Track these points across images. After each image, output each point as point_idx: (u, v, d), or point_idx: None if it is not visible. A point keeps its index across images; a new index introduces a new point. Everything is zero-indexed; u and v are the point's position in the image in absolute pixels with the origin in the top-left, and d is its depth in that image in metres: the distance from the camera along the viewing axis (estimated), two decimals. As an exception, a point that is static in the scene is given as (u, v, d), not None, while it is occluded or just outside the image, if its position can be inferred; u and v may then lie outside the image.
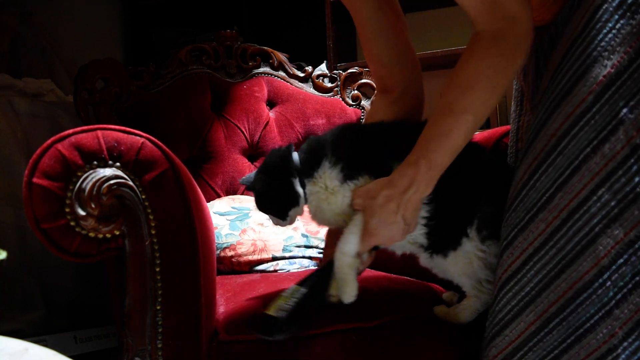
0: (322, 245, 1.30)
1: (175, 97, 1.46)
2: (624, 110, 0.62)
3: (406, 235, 0.80)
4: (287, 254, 1.25)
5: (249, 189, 0.92)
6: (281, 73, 1.64)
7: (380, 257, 1.07)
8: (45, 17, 1.95)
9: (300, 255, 1.26)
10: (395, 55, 0.92)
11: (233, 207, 1.33)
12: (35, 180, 0.64)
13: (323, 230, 1.33)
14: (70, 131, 0.67)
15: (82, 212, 0.65)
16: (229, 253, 1.23)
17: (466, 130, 0.73)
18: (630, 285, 0.62)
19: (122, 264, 0.71)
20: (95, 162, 0.67)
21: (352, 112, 1.63)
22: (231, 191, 1.47)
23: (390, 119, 0.93)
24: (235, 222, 1.28)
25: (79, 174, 0.66)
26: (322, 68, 1.69)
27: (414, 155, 0.75)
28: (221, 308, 0.87)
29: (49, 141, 0.66)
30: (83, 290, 1.58)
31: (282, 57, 1.65)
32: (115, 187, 0.67)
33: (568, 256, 0.66)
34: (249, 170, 1.51)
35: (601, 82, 0.64)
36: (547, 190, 0.68)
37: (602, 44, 0.64)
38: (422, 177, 0.74)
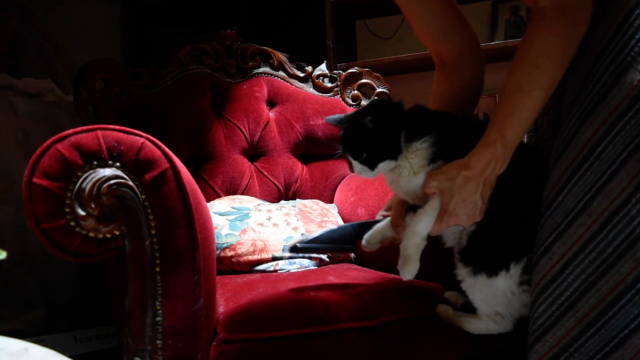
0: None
1: (175, 97, 1.46)
2: None
3: (482, 216, 0.80)
4: (287, 254, 1.25)
5: (341, 123, 0.86)
6: (281, 73, 1.64)
7: (380, 257, 1.07)
8: (45, 17, 1.95)
9: (300, 255, 1.26)
10: (447, 28, 0.93)
11: (233, 207, 1.33)
12: (35, 180, 0.64)
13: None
14: (70, 131, 0.67)
15: (82, 212, 0.65)
16: (229, 253, 1.23)
17: (537, 106, 0.74)
18: None
19: (122, 264, 0.71)
20: (95, 162, 0.67)
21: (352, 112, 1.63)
22: (231, 191, 1.47)
23: (447, 92, 0.94)
24: (235, 222, 1.28)
25: (79, 174, 0.66)
26: (322, 68, 1.69)
27: (490, 136, 0.76)
28: (221, 308, 0.87)
29: (49, 141, 0.66)
30: (83, 290, 1.58)
31: (282, 57, 1.65)
32: (115, 187, 0.67)
33: (609, 260, 0.66)
34: (248, 171, 1.51)
35: (636, 86, 0.64)
36: (585, 194, 0.68)
37: (636, 49, 0.65)
38: (499, 157, 0.76)
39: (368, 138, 0.82)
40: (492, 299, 0.82)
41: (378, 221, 0.97)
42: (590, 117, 0.69)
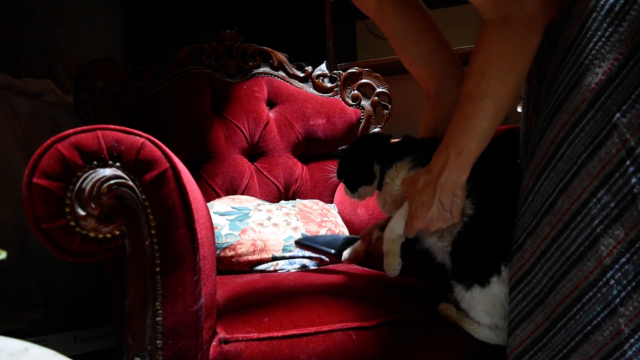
0: (322, 245, 1.30)
1: (175, 97, 1.46)
2: (617, 115, 0.64)
3: (449, 223, 0.83)
4: (287, 254, 1.25)
5: (335, 155, 1.02)
6: (281, 73, 1.64)
7: (380, 257, 1.07)
8: (45, 17, 1.95)
9: (300, 255, 1.26)
10: (429, 56, 0.96)
11: (233, 207, 1.33)
12: (35, 180, 0.64)
13: (323, 231, 1.33)
14: (70, 131, 0.67)
15: (82, 212, 0.65)
16: (229, 253, 1.23)
17: (487, 114, 0.75)
18: (634, 283, 0.63)
19: (122, 264, 0.71)
20: (95, 162, 0.67)
21: (352, 112, 1.63)
22: (231, 191, 1.47)
23: (433, 122, 0.98)
24: (235, 222, 1.28)
25: (79, 174, 0.66)
26: (322, 68, 1.69)
27: (444, 142, 0.80)
28: (221, 308, 0.87)
29: (49, 141, 0.66)
30: (83, 290, 1.58)
31: (282, 57, 1.65)
32: (115, 187, 0.67)
33: (572, 257, 0.68)
34: (248, 171, 1.51)
35: (593, 89, 0.66)
36: (550, 194, 0.71)
37: (593, 52, 0.67)
38: (453, 163, 0.79)
39: (344, 167, 0.99)
40: (492, 309, 0.83)
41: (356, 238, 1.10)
42: (554, 119, 0.71)
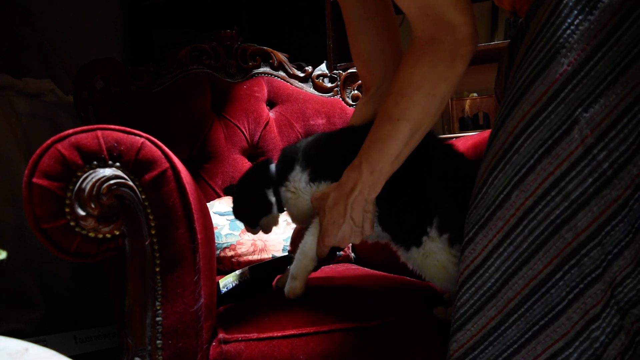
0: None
1: (175, 97, 1.46)
2: (579, 109, 0.62)
3: (362, 237, 0.83)
4: (286, 254, 1.25)
5: (227, 193, 0.99)
6: (281, 73, 1.64)
7: (379, 257, 1.07)
8: (45, 17, 1.95)
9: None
10: (375, 53, 0.93)
11: (233, 207, 1.33)
12: (35, 180, 0.64)
13: (323, 230, 1.33)
14: (70, 131, 0.67)
15: (82, 212, 0.65)
16: (229, 253, 1.23)
17: (403, 137, 0.75)
18: (582, 285, 0.63)
19: (122, 264, 0.71)
20: (95, 162, 0.67)
21: (352, 112, 1.63)
22: (231, 191, 1.47)
23: (363, 118, 0.95)
24: (235, 222, 1.28)
25: (79, 174, 0.66)
26: (322, 68, 1.69)
27: (358, 159, 0.79)
28: (221, 308, 0.87)
29: (49, 141, 0.66)
30: (83, 290, 1.58)
31: (282, 57, 1.65)
32: (115, 187, 0.67)
33: (525, 254, 0.67)
34: (249, 170, 1.51)
35: (557, 80, 0.63)
36: (504, 188, 0.68)
37: (561, 40, 0.63)
38: (365, 180, 0.78)
39: (239, 207, 0.96)
40: (444, 272, 0.82)
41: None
42: (515, 109, 0.68)
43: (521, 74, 0.68)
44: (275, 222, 0.95)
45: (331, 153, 0.89)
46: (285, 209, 0.93)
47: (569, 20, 0.63)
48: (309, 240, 0.86)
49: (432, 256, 0.83)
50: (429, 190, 0.82)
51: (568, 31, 0.63)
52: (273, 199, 0.91)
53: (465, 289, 0.73)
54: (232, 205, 0.97)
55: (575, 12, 0.63)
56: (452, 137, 1.89)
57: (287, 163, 0.91)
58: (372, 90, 0.95)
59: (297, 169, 0.89)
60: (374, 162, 0.77)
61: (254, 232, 0.97)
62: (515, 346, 0.68)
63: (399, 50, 0.94)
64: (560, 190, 0.63)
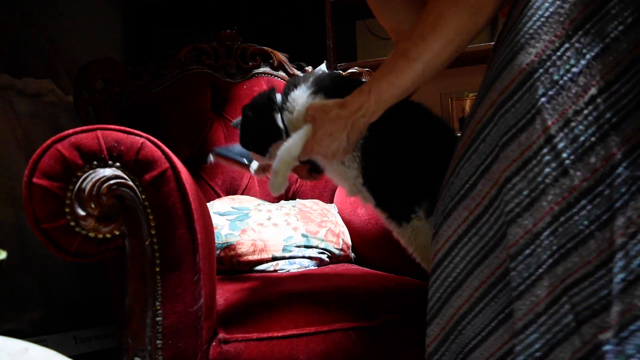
0: (322, 245, 1.30)
1: (175, 97, 1.46)
2: (543, 99, 0.62)
3: (344, 156, 0.87)
4: (287, 254, 1.25)
5: (236, 125, 0.99)
6: (281, 73, 1.64)
7: (380, 257, 1.07)
8: (45, 17, 1.95)
9: (300, 255, 1.26)
10: (403, 13, 0.96)
11: (233, 207, 1.33)
12: (35, 180, 0.64)
13: (323, 231, 1.33)
14: (70, 131, 0.67)
15: (82, 212, 0.65)
16: (229, 253, 1.23)
17: (414, 75, 0.80)
18: (534, 277, 0.62)
19: (122, 264, 0.71)
20: (95, 162, 0.67)
21: (352, 112, 1.63)
22: (231, 191, 1.47)
23: None
24: (235, 222, 1.28)
25: (79, 174, 0.66)
26: (322, 68, 1.68)
27: (368, 85, 0.83)
28: (221, 308, 0.87)
29: (49, 141, 0.66)
30: (83, 290, 1.58)
31: (282, 57, 1.65)
32: (115, 187, 0.67)
33: (490, 243, 0.67)
34: (249, 170, 1.51)
35: (524, 69, 0.64)
36: (470, 177, 0.69)
37: (530, 31, 0.65)
38: (371, 106, 0.82)
39: (249, 132, 0.96)
40: (429, 254, 0.84)
41: None
42: (484, 98, 0.69)
43: (493, 64, 0.69)
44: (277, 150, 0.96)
45: (343, 85, 0.92)
46: (290, 135, 0.93)
47: (540, 12, 0.64)
48: (296, 141, 0.87)
49: (420, 235, 0.86)
50: (425, 172, 0.86)
51: (538, 22, 0.64)
52: (282, 124, 0.92)
53: (432, 282, 0.73)
54: (240, 133, 0.97)
55: (547, 4, 0.64)
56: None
57: (291, 85, 0.94)
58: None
59: (302, 88, 0.91)
60: (382, 92, 0.81)
61: (262, 162, 0.97)
62: (484, 333, 0.68)
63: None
64: (522, 177, 0.63)
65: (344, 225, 1.42)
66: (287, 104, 0.92)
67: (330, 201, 1.56)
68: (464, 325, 0.69)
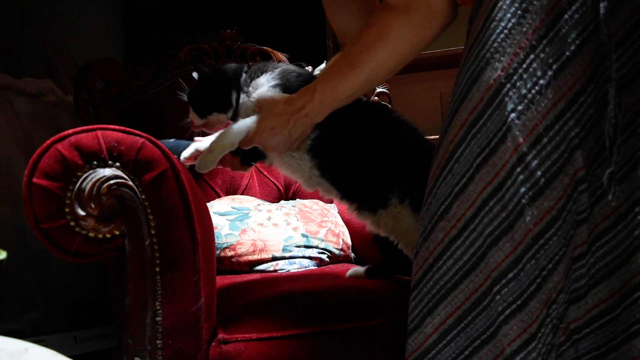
0: (322, 245, 1.30)
1: (176, 97, 1.46)
2: (512, 115, 0.60)
3: (285, 151, 0.89)
4: (287, 254, 1.25)
5: (197, 69, 0.97)
6: (281, 73, 1.64)
7: (380, 257, 1.07)
8: (45, 17, 1.95)
9: (300, 255, 1.26)
10: (360, 16, 0.95)
11: (233, 207, 1.33)
12: (35, 180, 0.64)
13: (323, 231, 1.33)
14: (70, 131, 0.67)
15: (82, 212, 0.65)
16: (229, 253, 1.23)
17: (357, 83, 0.81)
18: (519, 302, 0.60)
19: (122, 264, 0.71)
20: (95, 162, 0.67)
21: (352, 112, 1.63)
22: (231, 191, 1.47)
23: None
24: (235, 222, 1.28)
25: (79, 174, 0.66)
26: (322, 68, 1.68)
27: (314, 85, 0.84)
28: (221, 308, 0.87)
29: (48, 141, 0.66)
30: (83, 290, 1.58)
31: (282, 57, 1.65)
32: (115, 187, 0.67)
33: (465, 267, 0.64)
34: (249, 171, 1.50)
35: (491, 86, 0.61)
36: (446, 198, 0.66)
37: (495, 45, 0.62)
38: (314, 106, 0.84)
39: (200, 91, 0.95)
40: (414, 238, 0.84)
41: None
42: (455, 117, 0.67)
43: (460, 80, 0.67)
44: (221, 124, 0.95)
45: (303, 80, 0.92)
46: (239, 117, 0.93)
47: (503, 24, 0.62)
48: (241, 128, 0.88)
49: (400, 221, 0.88)
50: (390, 160, 0.90)
51: (502, 35, 0.62)
52: (234, 103, 0.93)
53: (410, 301, 0.71)
54: (194, 86, 0.96)
55: (509, 14, 0.61)
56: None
57: (257, 70, 0.94)
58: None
59: (267, 77, 0.92)
60: (326, 94, 0.83)
61: (197, 124, 0.96)
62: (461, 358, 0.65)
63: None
64: (498, 200, 0.61)
65: (344, 225, 1.42)
66: (249, 87, 0.93)
67: (331, 201, 1.56)
68: (433, 354, 0.67)
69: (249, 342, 0.78)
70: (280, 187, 1.54)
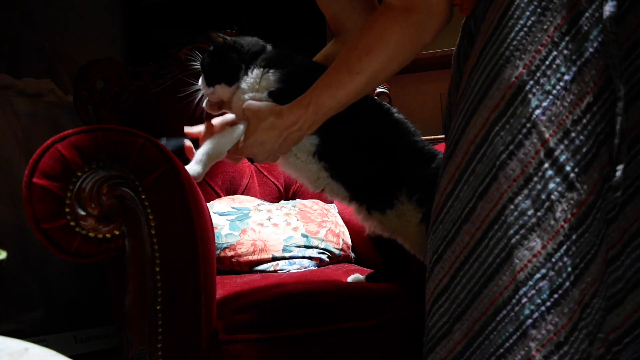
0: (322, 245, 1.30)
1: (176, 97, 1.46)
2: (537, 111, 0.60)
3: (274, 161, 0.88)
4: (287, 254, 1.25)
5: (210, 39, 0.95)
6: (281, 73, 1.63)
7: (379, 257, 1.07)
8: (45, 17, 1.95)
9: (300, 255, 1.26)
10: (345, 2, 0.97)
11: (233, 207, 1.33)
12: (35, 180, 0.64)
13: (323, 231, 1.33)
14: (70, 131, 0.67)
15: (82, 212, 0.65)
16: (229, 253, 1.23)
17: (356, 89, 0.79)
18: (548, 303, 0.58)
19: (122, 264, 0.71)
20: (95, 162, 0.67)
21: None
22: (231, 191, 1.47)
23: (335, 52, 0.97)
24: (235, 222, 1.28)
25: (79, 174, 0.66)
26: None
27: (307, 98, 0.81)
28: (221, 308, 0.87)
29: (49, 141, 0.66)
30: (83, 290, 1.58)
31: (282, 57, 1.64)
32: (115, 187, 0.67)
33: (489, 270, 0.62)
34: (248, 171, 1.51)
35: (513, 83, 0.61)
36: (469, 200, 0.65)
37: (514, 42, 0.62)
38: (308, 119, 0.81)
39: (214, 59, 0.93)
40: (416, 233, 0.86)
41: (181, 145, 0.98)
42: (474, 116, 0.66)
43: (476, 80, 0.66)
44: (225, 97, 0.91)
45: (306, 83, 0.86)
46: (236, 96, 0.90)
47: (522, 22, 0.62)
48: (227, 139, 0.86)
49: (403, 217, 0.87)
50: (397, 158, 0.89)
51: (521, 33, 0.62)
52: (240, 79, 0.90)
53: (435, 309, 0.69)
54: (207, 52, 0.94)
55: (528, 12, 0.62)
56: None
57: (269, 61, 0.90)
58: (346, 34, 1.00)
59: (271, 76, 0.88)
60: (323, 105, 0.80)
61: (204, 92, 0.94)
62: None
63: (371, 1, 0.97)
64: (526, 196, 0.60)
65: (344, 225, 1.42)
66: (252, 74, 0.89)
67: (331, 201, 1.56)
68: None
69: (249, 342, 0.78)
70: (280, 187, 1.54)
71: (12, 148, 1.46)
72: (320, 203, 1.48)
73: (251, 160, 0.97)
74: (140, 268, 0.70)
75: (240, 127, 0.87)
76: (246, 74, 0.89)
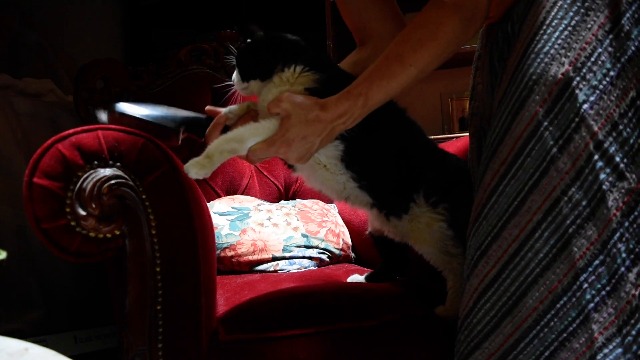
0: (322, 245, 1.30)
1: (176, 97, 1.46)
2: (585, 106, 0.64)
3: (306, 162, 0.81)
4: (287, 254, 1.25)
5: (251, 32, 0.89)
6: (281, 73, 1.64)
7: (379, 257, 1.07)
8: (45, 17, 1.95)
9: (300, 255, 1.26)
10: (373, 11, 0.97)
11: (233, 207, 1.33)
12: (35, 180, 0.64)
13: (323, 231, 1.33)
14: (71, 131, 0.67)
15: (82, 212, 0.65)
16: (229, 253, 1.23)
17: (407, 81, 0.78)
18: (608, 288, 0.62)
19: (122, 264, 0.71)
20: (95, 162, 0.67)
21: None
22: (231, 191, 1.47)
23: (361, 61, 0.98)
24: (235, 222, 1.28)
25: (80, 173, 0.66)
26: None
27: (356, 89, 0.78)
28: (221, 308, 0.87)
29: (49, 141, 0.66)
30: (83, 290, 1.58)
31: (282, 57, 1.64)
32: (115, 187, 0.67)
33: (545, 260, 0.65)
34: (248, 171, 1.51)
35: (560, 80, 0.65)
36: (518, 194, 0.67)
37: (559, 41, 0.66)
38: (355, 111, 0.78)
39: (251, 52, 0.87)
40: (426, 231, 0.87)
41: (202, 118, 0.96)
42: (519, 113, 0.68)
43: (521, 78, 0.69)
44: (258, 93, 0.87)
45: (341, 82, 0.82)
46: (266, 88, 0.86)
47: (566, 22, 0.66)
48: (252, 133, 0.77)
49: (416, 219, 0.87)
50: (413, 161, 0.88)
51: (566, 32, 0.66)
52: (274, 75, 0.85)
53: (481, 305, 0.70)
54: (244, 46, 0.89)
55: (571, 13, 0.66)
56: (452, 137, 1.89)
57: (316, 63, 0.85)
58: (370, 43, 1.00)
59: (310, 76, 0.83)
60: (372, 97, 0.77)
61: (238, 87, 0.90)
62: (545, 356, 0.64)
63: (395, 9, 0.98)
64: (579, 188, 0.63)
65: (344, 225, 1.42)
66: (286, 69, 0.84)
67: (331, 201, 1.56)
68: (515, 354, 0.66)
69: (249, 342, 0.78)
70: (280, 187, 1.54)
71: (12, 148, 1.46)
72: (320, 203, 1.48)
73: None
74: (141, 268, 0.70)
75: (272, 121, 0.78)
76: (282, 71, 0.84)
